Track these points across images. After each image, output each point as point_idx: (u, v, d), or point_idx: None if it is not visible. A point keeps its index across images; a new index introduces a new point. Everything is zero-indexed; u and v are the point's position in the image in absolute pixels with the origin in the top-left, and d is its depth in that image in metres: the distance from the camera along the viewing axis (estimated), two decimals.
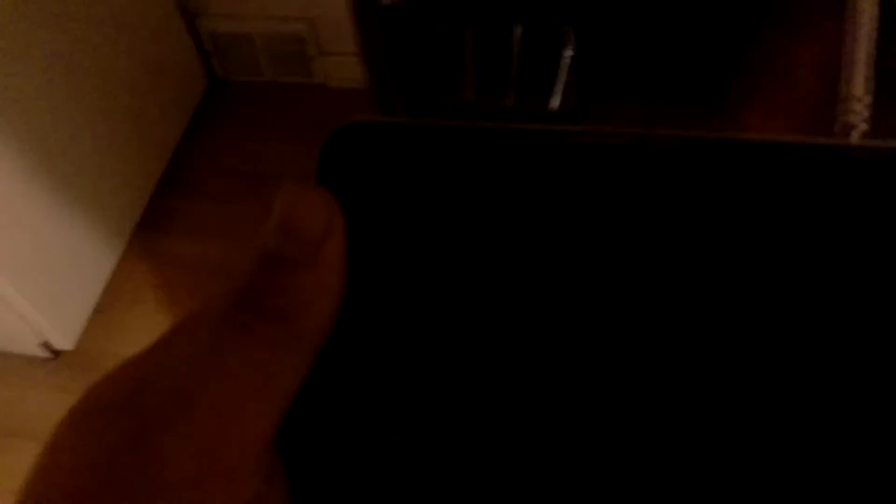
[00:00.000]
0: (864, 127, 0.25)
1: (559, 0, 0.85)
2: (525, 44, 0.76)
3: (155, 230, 1.50)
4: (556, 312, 0.18)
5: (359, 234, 0.19)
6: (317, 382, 0.19)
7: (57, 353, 1.34)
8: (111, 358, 1.40)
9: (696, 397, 0.18)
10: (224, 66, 1.67)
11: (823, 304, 0.18)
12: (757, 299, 0.18)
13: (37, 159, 1.19)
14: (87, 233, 1.34)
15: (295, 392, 0.19)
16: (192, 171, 1.58)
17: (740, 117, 0.72)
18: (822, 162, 0.18)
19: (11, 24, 1.13)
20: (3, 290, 1.18)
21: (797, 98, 0.71)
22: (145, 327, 1.39)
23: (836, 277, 0.18)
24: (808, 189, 0.18)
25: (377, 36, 0.53)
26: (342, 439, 0.19)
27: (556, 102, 0.82)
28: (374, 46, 0.53)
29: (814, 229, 0.18)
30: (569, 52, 0.84)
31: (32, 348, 1.31)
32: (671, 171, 0.18)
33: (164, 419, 0.17)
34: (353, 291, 0.19)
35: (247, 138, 1.61)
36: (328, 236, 0.19)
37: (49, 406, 1.32)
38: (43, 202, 1.23)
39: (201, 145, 1.61)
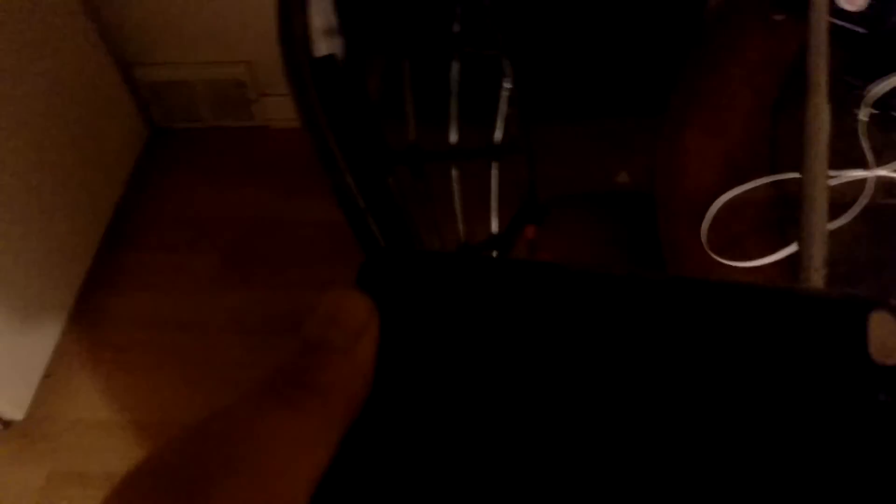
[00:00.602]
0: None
1: (495, 33, 0.85)
2: (463, 79, 0.76)
3: (103, 287, 1.47)
4: (548, 421, 0.21)
5: (388, 337, 0.22)
6: (342, 463, 0.21)
7: (7, 424, 1.29)
8: (62, 424, 1.37)
9: (659, 481, 0.21)
10: (164, 114, 1.64)
11: (782, 434, 0.20)
12: (725, 425, 0.21)
13: None
14: (32, 298, 1.30)
15: (325, 466, 0.20)
16: (137, 224, 1.55)
17: (679, 135, 0.73)
18: (786, 307, 0.22)
19: None
20: None
21: (732, 114, 0.72)
22: (97, 388, 1.35)
23: (792, 412, 0.21)
24: (773, 331, 0.21)
25: (311, 89, 0.52)
26: None
27: (498, 135, 0.82)
28: (309, 99, 0.52)
29: (772, 367, 0.21)
30: (507, 84, 0.84)
31: None
32: (655, 304, 0.22)
33: (210, 483, 0.18)
34: (381, 385, 0.22)
35: (191, 186, 1.58)
36: (365, 330, 0.22)
37: (2, 477, 1.27)
38: None
39: (146, 197, 1.58)
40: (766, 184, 0.65)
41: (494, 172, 0.81)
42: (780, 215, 0.64)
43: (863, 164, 0.64)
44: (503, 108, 0.80)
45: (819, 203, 0.39)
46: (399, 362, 0.22)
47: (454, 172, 0.74)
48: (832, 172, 0.64)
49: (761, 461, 0.20)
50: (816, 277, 0.29)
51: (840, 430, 0.20)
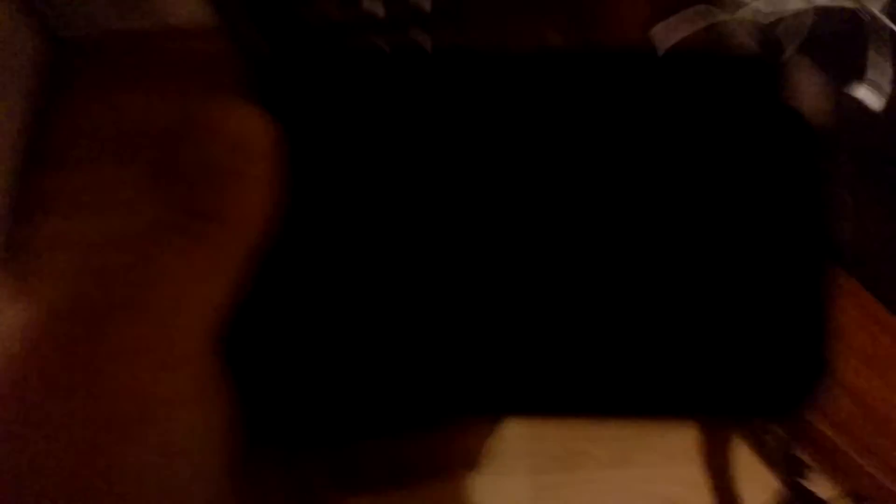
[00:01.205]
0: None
1: None
2: None
3: (31, 215, 1.40)
4: (461, 207, 0.21)
5: (296, 148, 0.21)
6: (264, 290, 0.21)
7: None
8: None
9: (555, 257, 0.21)
10: (65, 23, 1.53)
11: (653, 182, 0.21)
12: (602, 182, 0.21)
13: None
14: None
15: (235, 293, 0.20)
16: (55, 145, 1.47)
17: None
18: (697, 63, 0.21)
19: None
20: None
21: None
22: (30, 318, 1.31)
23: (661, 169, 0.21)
24: (689, 92, 0.21)
25: None
26: (286, 343, 0.21)
27: (427, 4, 0.78)
28: None
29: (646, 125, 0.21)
30: None
31: None
32: (568, 77, 0.21)
33: (105, 319, 0.18)
34: (295, 201, 0.21)
35: (102, 98, 1.50)
36: (267, 149, 0.20)
37: None
38: None
39: (58, 115, 1.50)
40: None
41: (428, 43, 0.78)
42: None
43: None
44: None
45: None
46: (311, 175, 0.21)
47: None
48: (770, 8, 0.65)
49: (676, 208, 0.21)
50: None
51: (753, 177, 0.21)
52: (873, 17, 0.64)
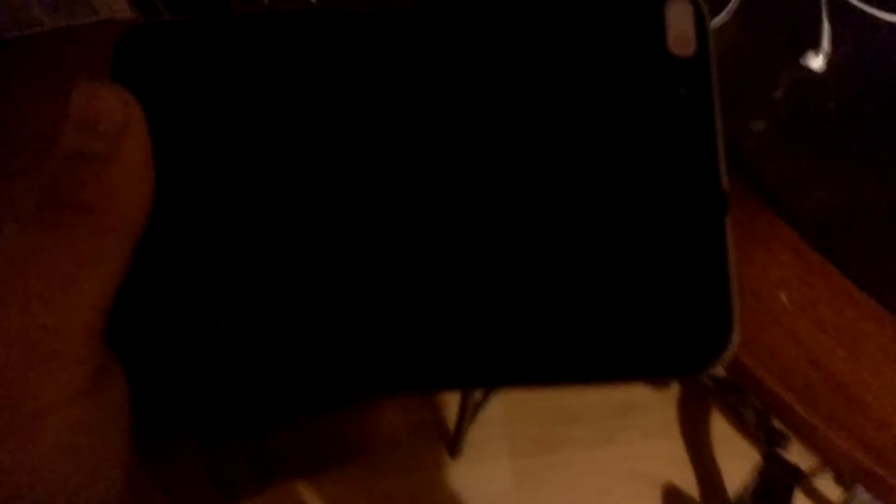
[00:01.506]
0: None
1: None
2: None
3: None
4: (348, 166, 0.20)
5: (163, 128, 0.20)
6: (143, 274, 0.20)
7: None
8: None
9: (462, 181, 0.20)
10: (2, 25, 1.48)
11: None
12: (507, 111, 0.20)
13: None
14: None
15: (115, 284, 0.19)
16: None
17: None
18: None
19: None
20: None
21: None
22: None
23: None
24: (569, 27, 0.20)
25: None
26: (174, 328, 0.20)
27: None
28: None
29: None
30: None
31: None
32: (446, 25, 0.21)
33: None
34: (166, 183, 0.20)
35: (40, 100, 1.45)
36: (126, 128, 0.19)
37: None
38: None
39: None
40: None
41: None
42: None
43: None
44: None
45: None
46: (182, 151, 0.20)
47: None
48: None
49: (571, 160, 0.20)
50: None
51: (641, 125, 0.20)
52: None
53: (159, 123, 0.20)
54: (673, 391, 1.23)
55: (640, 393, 1.22)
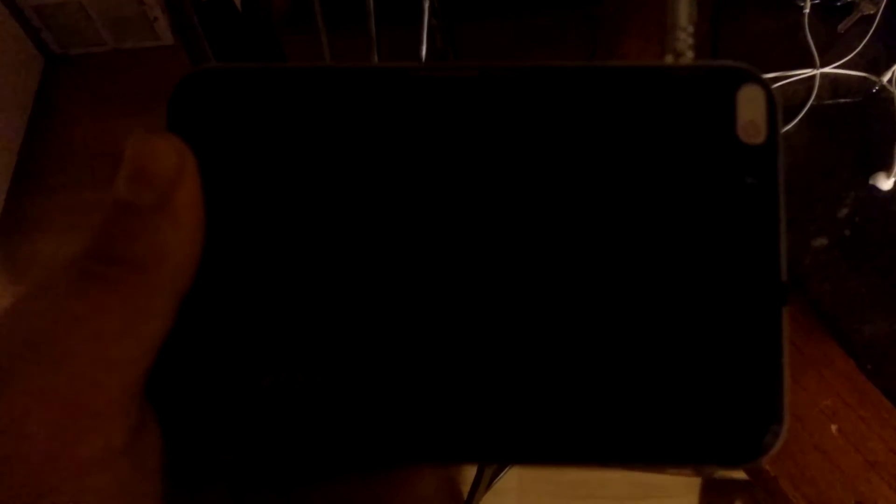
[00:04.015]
0: (690, 54, 0.27)
1: None
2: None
3: (18, 234, 1.38)
4: (398, 234, 0.20)
5: (216, 179, 0.20)
6: (187, 329, 0.20)
7: None
8: None
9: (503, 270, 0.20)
10: (59, 40, 1.51)
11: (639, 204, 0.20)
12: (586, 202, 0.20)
13: None
14: None
15: (159, 340, 0.19)
16: (45, 163, 1.45)
17: (616, 42, 0.68)
18: (652, 83, 0.20)
19: None
20: None
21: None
22: None
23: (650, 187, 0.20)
24: (640, 110, 0.20)
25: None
26: (215, 384, 0.20)
27: (423, 50, 0.76)
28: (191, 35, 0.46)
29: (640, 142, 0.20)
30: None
31: None
32: (516, 96, 0.20)
33: (8, 372, 0.17)
34: (215, 236, 0.20)
35: (98, 116, 1.48)
36: (179, 181, 0.19)
37: None
38: None
39: (51, 133, 1.47)
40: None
41: None
42: None
43: (809, 63, 0.60)
44: (426, 20, 0.74)
45: None
46: (235, 205, 0.20)
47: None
48: (779, 73, 0.60)
49: (629, 243, 0.20)
50: (684, 37, 0.27)
51: (706, 210, 0.20)
52: (882, 88, 0.58)
53: (211, 174, 0.20)
54: (697, 479, 1.20)
55: (664, 476, 1.19)
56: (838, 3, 0.62)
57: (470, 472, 1.13)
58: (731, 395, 0.19)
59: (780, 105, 0.20)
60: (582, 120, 0.20)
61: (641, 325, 0.20)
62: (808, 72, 0.60)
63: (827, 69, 0.60)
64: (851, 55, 0.60)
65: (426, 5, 0.69)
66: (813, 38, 0.61)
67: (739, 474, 1.04)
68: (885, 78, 0.59)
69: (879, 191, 0.55)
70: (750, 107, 0.20)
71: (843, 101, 0.60)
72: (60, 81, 1.52)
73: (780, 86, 0.60)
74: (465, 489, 1.14)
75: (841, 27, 0.62)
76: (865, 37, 0.60)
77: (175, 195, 0.19)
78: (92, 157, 1.45)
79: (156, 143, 0.19)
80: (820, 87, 0.60)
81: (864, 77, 0.60)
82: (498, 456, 0.20)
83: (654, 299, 0.20)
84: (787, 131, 0.58)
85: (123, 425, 0.18)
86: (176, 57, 1.52)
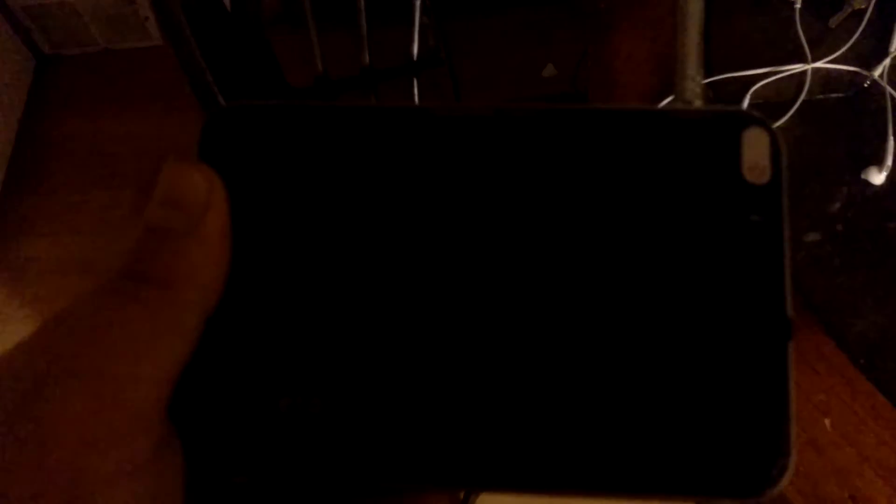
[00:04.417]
0: (699, 103, 0.28)
1: None
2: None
3: (12, 236, 1.37)
4: (419, 266, 0.21)
5: (243, 208, 0.21)
6: (209, 351, 0.20)
7: None
8: None
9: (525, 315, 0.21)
10: (50, 40, 1.50)
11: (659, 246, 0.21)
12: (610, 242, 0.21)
13: None
14: None
15: (184, 359, 0.20)
16: (36, 163, 1.44)
17: (608, 37, 0.68)
18: (663, 126, 0.21)
19: None
20: None
21: (662, 13, 0.67)
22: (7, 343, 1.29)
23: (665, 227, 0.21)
24: (646, 152, 0.21)
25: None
26: (234, 406, 0.20)
27: (415, 49, 0.76)
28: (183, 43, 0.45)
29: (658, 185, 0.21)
30: None
31: None
32: (525, 137, 0.21)
33: (46, 386, 0.17)
34: (240, 262, 0.21)
35: (90, 116, 1.47)
36: (209, 208, 0.20)
37: None
38: None
39: (43, 134, 1.47)
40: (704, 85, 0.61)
41: (416, 91, 0.75)
42: None
43: (800, 58, 0.60)
44: (417, 18, 0.74)
45: (693, 11, 0.39)
46: (260, 233, 0.21)
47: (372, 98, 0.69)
48: (770, 69, 0.60)
49: (634, 283, 0.20)
50: (692, 86, 0.27)
51: (711, 249, 0.20)
52: (874, 82, 0.58)
53: (238, 203, 0.21)
54: None
55: None
56: None
57: None
58: (739, 429, 0.20)
59: (784, 146, 0.21)
60: (595, 160, 0.21)
61: (651, 361, 0.20)
62: (799, 67, 0.60)
63: (818, 64, 0.60)
64: (843, 50, 0.60)
65: (417, 3, 0.69)
66: (804, 33, 0.61)
67: None
68: (877, 73, 0.59)
69: (871, 185, 0.55)
70: (754, 148, 0.21)
71: (834, 95, 0.60)
72: (51, 82, 1.51)
73: (772, 81, 0.60)
74: None
75: (832, 22, 0.62)
76: (856, 32, 0.60)
77: (204, 220, 0.20)
78: (83, 157, 1.44)
79: (188, 172, 0.20)
80: (811, 82, 0.60)
81: (856, 72, 0.60)
82: (509, 484, 0.20)
83: (663, 334, 0.20)
84: (778, 127, 0.58)
85: (148, 441, 0.19)
86: (167, 56, 1.51)
